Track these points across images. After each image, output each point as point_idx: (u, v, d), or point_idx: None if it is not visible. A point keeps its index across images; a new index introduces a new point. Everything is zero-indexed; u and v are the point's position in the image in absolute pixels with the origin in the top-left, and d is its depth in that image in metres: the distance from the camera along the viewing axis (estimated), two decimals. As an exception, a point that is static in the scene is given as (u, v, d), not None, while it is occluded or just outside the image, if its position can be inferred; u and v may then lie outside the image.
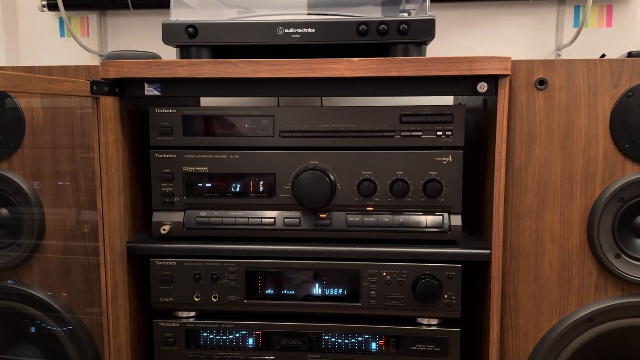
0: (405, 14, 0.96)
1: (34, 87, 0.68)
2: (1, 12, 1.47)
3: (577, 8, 1.35)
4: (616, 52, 1.13)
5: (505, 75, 0.85)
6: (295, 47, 0.92)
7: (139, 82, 0.91)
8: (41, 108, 0.96)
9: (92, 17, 1.47)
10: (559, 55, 1.36)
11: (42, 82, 0.70)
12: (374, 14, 1.01)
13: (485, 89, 0.86)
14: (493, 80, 0.86)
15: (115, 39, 1.49)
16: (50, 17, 1.49)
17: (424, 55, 0.92)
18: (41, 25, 1.50)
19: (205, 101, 1.36)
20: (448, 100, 1.27)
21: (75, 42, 1.42)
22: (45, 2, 1.42)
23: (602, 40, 1.35)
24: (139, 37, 1.47)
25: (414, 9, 0.98)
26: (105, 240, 0.89)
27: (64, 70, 0.94)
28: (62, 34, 1.50)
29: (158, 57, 1.02)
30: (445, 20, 1.37)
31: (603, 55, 1.02)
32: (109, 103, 0.88)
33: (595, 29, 1.35)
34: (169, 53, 1.09)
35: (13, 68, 0.99)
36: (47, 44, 1.50)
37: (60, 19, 1.49)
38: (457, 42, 1.37)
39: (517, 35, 1.37)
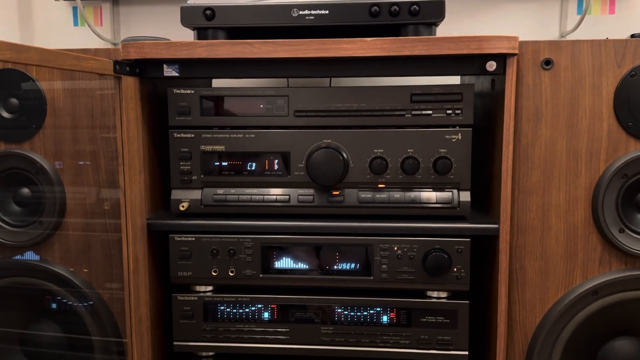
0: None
1: (63, 62, 0.71)
2: (16, 1, 1.50)
3: (580, -5, 1.38)
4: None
5: (513, 54, 0.88)
6: (308, 29, 0.95)
7: (159, 63, 0.94)
8: (62, 90, 0.99)
9: (106, 6, 1.50)
10: (563, 41, 1.38)
11: (70, 59, 0.73)
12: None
13: (494, 67, 0.89)
14: (501, 59, 0.89)
15: (128, 28, 1.52)
16: (64, 6, 1.52)
17: (434, 36, 0.95)
18: (55, 15, 1.53)
19: (216, 83, 1.39)
20: (455, 80, 1.30)
21: (89, 31, 1.45)
22: (59, -8, 1.45)
23: (605, 27, 1.38)
24: (152, 26, 1.50)
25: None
26: (127, 216, 0.92)
27: (84, 52, 0.97)
28: (75, 23, 1.53)
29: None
30: (450, 8, 1.39)
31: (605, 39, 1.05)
32: (130, 83, 0.91)
33: (598, 16, 1.38)
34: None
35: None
36: (61, 33, 1.53)
37: (74, 8, 1.52)
38: (462, 29, 1.40)
39: (521, 23, 1.40)
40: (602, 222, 0.92)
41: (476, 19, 1.41)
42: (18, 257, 1.03)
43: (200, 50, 0.90)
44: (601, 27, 1.37)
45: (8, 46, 0.60)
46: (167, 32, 1.44)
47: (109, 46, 1.51)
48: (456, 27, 1.38)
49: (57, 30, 1.53)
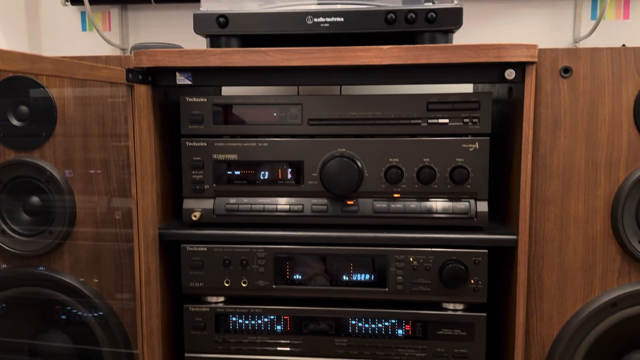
0: (430, 3, 0.97)
1: (77, 72, 0.70)
2: (24, 6, 1.49)
3: (594, 1, 1.36)
4: (634, 44, 1.15)
5: (532, 63, 0.87)
6: (323, 37, 0.94)
7: (171, 71, 0.93)
8: (72, 98, 0.98)
9: (114, 11, 1.49)
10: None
11: (84, 68, 0.72)
12: (394, 3, 1.02)
13: (513, 76, 0.87)
14: (520, 67, 0.88)
15: (136, 33, 1.51)
16: (73, 11, 1.51)
17: (451, 43, 0.93)
18: (63, 20, 1.52)
19: (225, 91, 1.37)
20: (467, 89, 1.29)
21: (97, 36, 1.44)
22: (68, -3, 1.44)
23: (620, 32, 1.36)
24: (160, 31, 1.49)
25: (438, -1, 0.99)
26: (139, 226, 0.91)
27: (95, 60, 0.96)
28: (84, 28, 1.52)
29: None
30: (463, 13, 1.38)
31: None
32: (142, 91, 0.90)
33: (612, 21, 1.36)
34: (190, 46, 1.11)
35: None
36: (69, 38, 1.52)
37: (82, 13, 1.51)
38: (475, 35, 1.39)
39: (534, 28, 1.39)
40: (621, 233, 0.91)
41: (489, 25, 1.40)
42: (41, 268, 1.01)
43: (214, 58, 0.89)
44: (616, 32, 1.36)
45: (22, 57, 0.59)
46: (175, 37, 1.43)
47: (118, 51, 1.50)
48: (469, 32, 1.37)
49: (65, 36, 1.52)
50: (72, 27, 1.52)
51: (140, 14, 1.50)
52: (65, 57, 0.97)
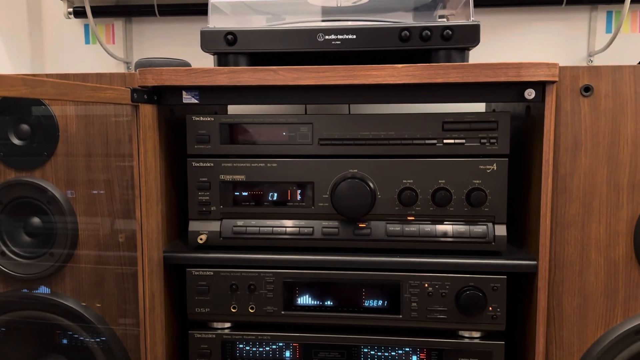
0: (444, 19, 0.94)
1: (80, 95, 0.67)
2: (27, 19, 1.46)
3: (609, 14, 1.33)
4: (653, 58, 1.12)
5: (553, 82, 0.83)
6: (334, 55, 0.91)
7: (177, 89, 0.90)
8: (75, 116, 0.95)
9: (118, 24, 1.46)
10: (591, 61, 1.34)
11: (88, 90, 0.69)
12: (405, 19, 1.00)
13: (533, 95, 0.84)
14: (540, 86, 0.84)
15: (140, 46, 1.48)
16: (76, 24, 1.49)
17: (467, 61, 0.90)
18: (66, 33, 1.49)
19: (232, 109, 1.35)
20: (480, 107, 1.26)
21: (101, 49, 1.41)
22: (71, 10, 1.42)
23: (636, 46, 1.33)
24: (165, 44, 1.47)
25: (452, 14, 0.97)
26: (143, 251, 0.87)
27: (99, 77, 0.93)
28: (87, 41, 1.50)
29: (188, 64, 1.02)
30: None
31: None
32: (147, 111, 0.87)
33: (628, 34, 1.33)
34: (196, 60, 1.08)
35: (47, 75, 0.98)
36: (72, 52, 1.50)
37: (86, 26, 1.49)
38: (488, 49, 1.36)
39: (548, 42, 1.36)
40: (645, 257, 0.87)
41: (502, 38, 1.37)
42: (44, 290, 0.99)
43: (222, 77, 0.86)
44: (631, 46, 1.33)
45: (22, 82, 0.55)
46: (180, 50, 1.41)
47: (122, 65, 1.47)
48: (482, 46, 1.33)
49: (68, 49, 1.50)
50: (75, 40, 1.50)
51: (144, 27, 1.47)
52: (68, 74, 0.95)
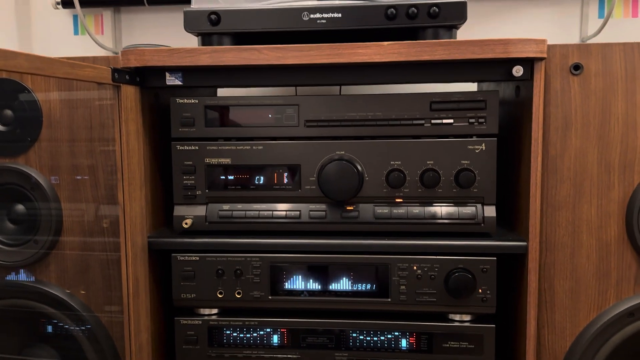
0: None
1: (57, 70, 0.66)
2: (14, 10, 1.45)
3: (601, -1, 1.32)
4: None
5: (542, 59, 0.82)
6: (320, 34, 0.89)
7: (160, 71, 0.89)
8: (59, 100, 0.94)
9: (107, 14, 1.45)
10: (584, 46, 1.32)
11: (65, 67, 0.68)
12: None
13: (521, 72, 0.83)
14: (528, 64, 0.83)
15: (130, 36, 1.47)
16: (64, 14, 1.47)
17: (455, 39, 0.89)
18: (55, 23, 1.48)
19: (221, 93, 1.33)
20: (472, 88, 1.24)
21: (89, 40, 1.40)
22: (59, 0, 1.40)
23: (628, 31, 1.31)
24: (154, 34, 1.45)
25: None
26: (126, 235, 0.86)
27: (83, 61, 0.91)
28: (76, 32, 1.48)
29: (177, 49, 1.00)
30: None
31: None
32: (130, 92, 0.85)
33: (620, 19, 1.32)
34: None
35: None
36: (60, 42, 1.48)
37: (75, 17, 1.47)
38: (479, 35, 1.34)
39: (540, 27, 1.34)
40: (637, 238, 0.86)
41: (493, 24, 1.35)
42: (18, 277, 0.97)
43: (205, 57, 0.84)
44: (624, 31, 1.31)
45: (-7, 52, 0.54)
46: (170, 40, 1.39)
47: (110, 55, 1.46)
48: (473, 31, 1.33)
49: (57, 40, 1.48)
50: (64, 31, 1.48)
51: (133, 17, 1.46)
52: (46, 57, 0.93)
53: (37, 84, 0.94)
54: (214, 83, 0.89)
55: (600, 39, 1.29)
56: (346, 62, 0.83)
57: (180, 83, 0.88)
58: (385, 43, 0.81)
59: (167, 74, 0.88)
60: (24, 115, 0.94)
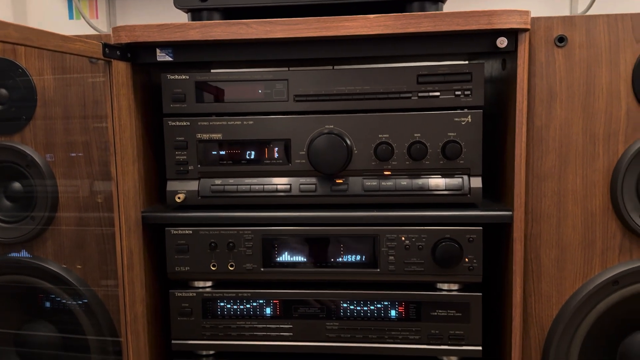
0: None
1: (47, 42, 0.67)
2: (10, -5, 1.46)
3: (592, -25, 1.33)
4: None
5: (525, 30, 0.83)
6: (309, 8, 0.90)
7: (151, 47, 0.90)
8: (52, 79, 0.95)
9: (101, -2, 1.46)
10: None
11: (56, 39, 0.69)
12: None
13: (505, 44, 0.84)
14: (513, 36, 0.84)
15: (124, 21, 1.48)
16: (59, -1, 1.48)
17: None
18: (50, 8, 1.49)
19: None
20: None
21: (85, 25, 1.41)
22: (53, -16, 1.41)
23: (620, 9, 1.32)
24: (148, 19, 1.46)
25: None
26: (120, 208, 0.88)
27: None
28: (70, 16, 1.50)
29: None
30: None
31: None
32: (121, 68, 0.87)
33: (610, -4, 1.33)
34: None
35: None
36: (56, 27, 1.48)
37: (69, 1, 1.48)
38: (467, 8, 1.35)
39: (529, 4, 1.35)
40: (621, 208, 0.87)
41: (483, 2, 1.36)
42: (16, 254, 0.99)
43: (194, 32, 0.86)
44: (615, 8, 1.32)
45: (-17, 21, 0.55)
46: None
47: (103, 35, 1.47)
48: (461, 7, 1.33)
49: (52, 24, 1.49)
50: (58, 16, 1.49)
51: (127, 1, 1.47)
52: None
53: (30, 62, 0.95)
54: (204, 58, 0.91)
55: (590, 16, 1.30)
56: (334, 36, 0.84)
57: (170, 59, 0.90)
58: (372, 16, 0.83)
59: (158, 50, 0.89)
60: (19, 94, 0.96)
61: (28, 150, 0.97)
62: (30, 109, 0.96)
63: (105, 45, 0.81)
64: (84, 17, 1.39)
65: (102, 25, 1.46)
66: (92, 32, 1.42)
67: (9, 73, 0.96)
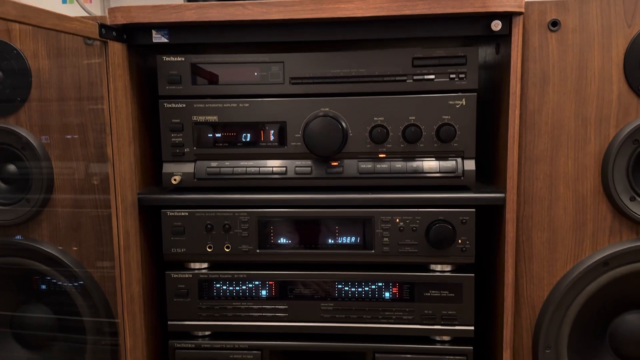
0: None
1: (44, 21, 0.67)
2: (2, -22, 1.45)
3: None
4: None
5: (519, 13, 0.84)
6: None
7: (147, 29, 0.90)
8: (47, 60, 0.95)
9: (95, -18, 1.45)
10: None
11: (52, 18, 0.69)
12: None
13: (500, 27, 0.85)
14: (507, 19, 0.85)
15: (119, 5, 1.47)
16: (52, -18, 1.47)
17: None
18: (43, -8, 1.48)
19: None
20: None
21: (78, 8, 1.41)
22: (46, -33, 1.40)
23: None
24: (142, 2, 1.45)
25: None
26: (116, 190, 0.88)
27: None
28: (64, 1, 1.49)
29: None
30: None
31: None
32: (117, 49, 0.87)
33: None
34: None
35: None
36: (49, 11, 1.49)
37: (62, -15, 1.47)
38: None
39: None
40: (612, 191, 0.89)
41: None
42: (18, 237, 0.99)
43: (190, 13, 0.86)
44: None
45: (-20, -3, 0.55)
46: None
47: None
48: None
49: (45, 7, 1.48)
50: (52, 1, 1.48)
51: (121, -15, 1.46)
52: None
53: (26, 44, 0.95)
54: (200, 40, 0.91)
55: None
56: (329, 17, 0.85)
57: (166, 41, 0.90)
58: (368, -2, 0.83)
59: (154, 32, 0.89)
60: (13, 75, 0.95)
61: (23, 132, 0.97)
62: (25, 91, 0.96)
63: (101, 26, 0.81)
64: (77, 1, 1.38)
65: (96, 9, 1.46)
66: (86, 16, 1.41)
67: (3, 54, 0.95)
